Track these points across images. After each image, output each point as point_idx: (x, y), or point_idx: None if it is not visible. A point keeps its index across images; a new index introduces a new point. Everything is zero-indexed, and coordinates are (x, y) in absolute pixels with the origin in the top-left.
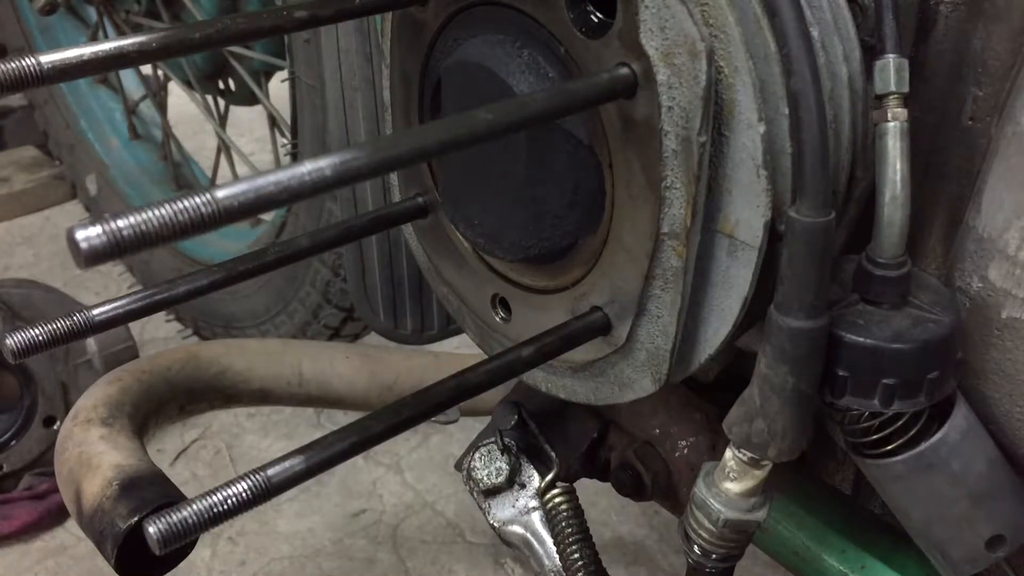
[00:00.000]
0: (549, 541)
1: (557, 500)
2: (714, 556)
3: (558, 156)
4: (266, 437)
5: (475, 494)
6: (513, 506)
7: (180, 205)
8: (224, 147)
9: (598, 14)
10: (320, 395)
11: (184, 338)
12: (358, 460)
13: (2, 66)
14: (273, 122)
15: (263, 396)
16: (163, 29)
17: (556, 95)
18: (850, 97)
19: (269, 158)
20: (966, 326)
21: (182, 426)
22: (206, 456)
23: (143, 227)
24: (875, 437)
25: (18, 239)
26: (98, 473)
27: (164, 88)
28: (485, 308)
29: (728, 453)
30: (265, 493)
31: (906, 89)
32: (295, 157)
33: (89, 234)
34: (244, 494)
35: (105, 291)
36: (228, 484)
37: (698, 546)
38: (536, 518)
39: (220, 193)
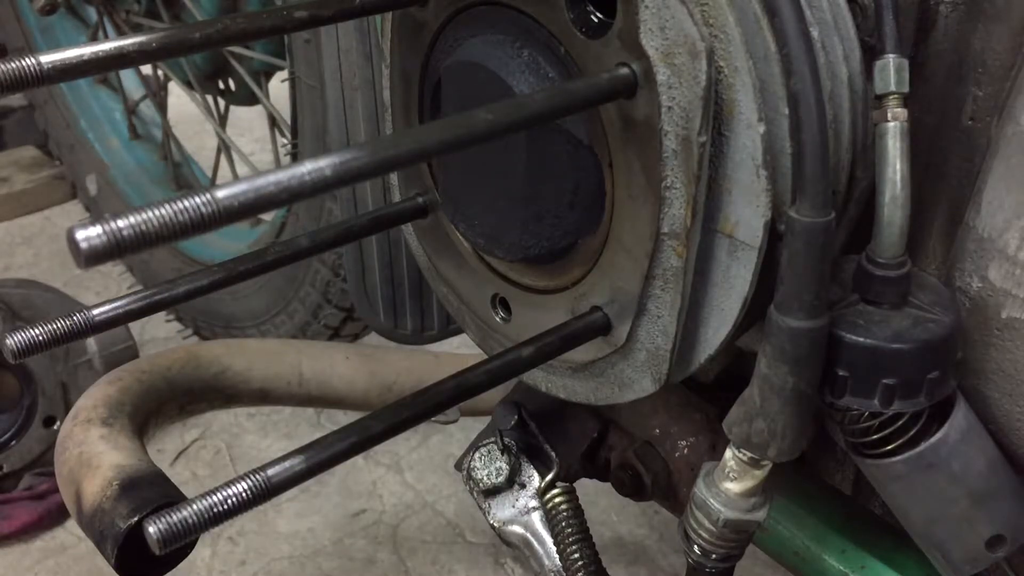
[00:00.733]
0: (549, 541)
1: (557, 500)
2: (714, 556)
3: (558, 156)
4: (266, 437)
5: (475, 494)
6: (513, 506)
7: (180, 205)
8: (224, 147)
9: (598, 14)
10: (320, 395)
11: (184, 338)
12: (358, 460)
13: (2, 66)
14: (273, 122)
15: (263, 396)
16: (163, 29)
17: (556, 95)
18: (850, 97)
19: (269, 158)
20: (966, 326)
21: (182, 426)
22: (206, 456)
23: (143, 227)
24: (875, 437)
25: (18, 239)
26: (98, 473)
27: (164, 88)
28: (485, 308)
29: (728, 453)
30: (265, 493)
31: (906, 89)
32: (295, 157)
33: (89, 234)
34: (244, 494)
35: (105, 291)
36: (228, 484)
37: (698, 546)
38: (536, 518)
39: (220, 193)
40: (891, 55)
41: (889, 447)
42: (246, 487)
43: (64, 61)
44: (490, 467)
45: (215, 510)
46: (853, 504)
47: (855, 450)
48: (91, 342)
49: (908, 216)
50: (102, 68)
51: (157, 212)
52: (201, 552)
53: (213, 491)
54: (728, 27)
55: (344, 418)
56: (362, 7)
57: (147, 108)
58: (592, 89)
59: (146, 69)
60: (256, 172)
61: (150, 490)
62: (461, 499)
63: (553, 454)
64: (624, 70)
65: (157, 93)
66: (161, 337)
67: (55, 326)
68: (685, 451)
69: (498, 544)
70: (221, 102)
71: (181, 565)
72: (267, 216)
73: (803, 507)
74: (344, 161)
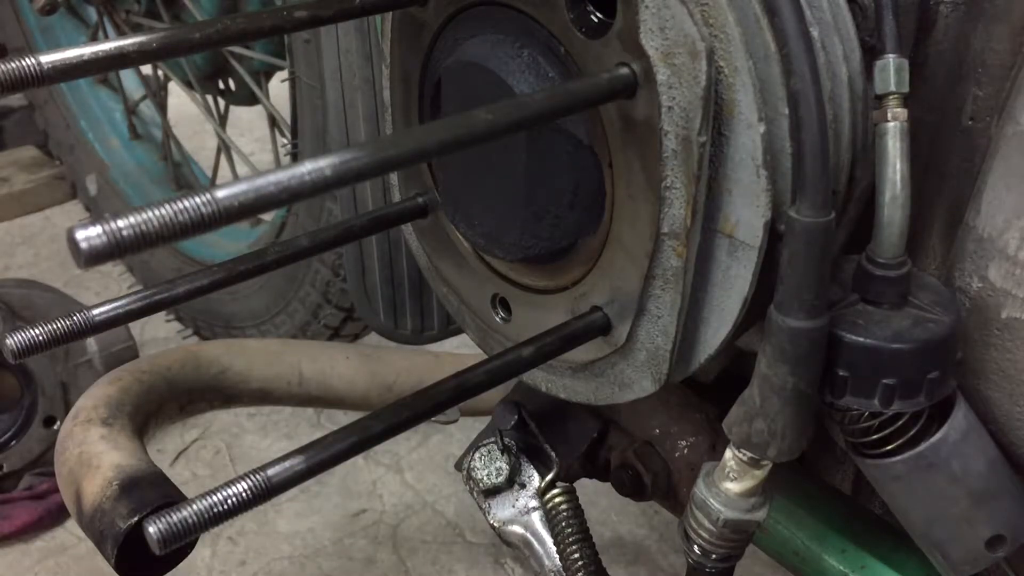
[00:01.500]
0: (549, 541)
1: (557, 500)
2: (714, 556)
3: (558, 156)
4: (266, 437)
5: (475, 494)
6: (513, 506)
7: (180, 205)
8: (224, 147)
9: (598, 14)
10: (320, 395)
11: (184, 338)
12: (358, 460)
13: (2, 66)
14: (273, 122)
15: (263, 396)
16: (163, 29)
17: (556, 95)
18: (850, 97)
19: (269, 158)
20: (966, 326)
21: (182, 426)
22: (206, 456)
23: (143, 227)
24: (875, 437)
25: (18, 239)
26: (98, 473)
27: (164, 88)
28: (485, 308)
29: (728, 453)
30: (265, 493)
31: (906, 89)
32: (295, 157)
33: (89, 234)
34: (244, 494)
35: (105, 291)
36: (228, 484)
37: (698, 546)
38: (536, 518)
39: (220, 193)
40: (891, 55)
41: (889, 447)
42: (246, 487)
43: (64, 61)
44: (490, 467)
45: (215, 510)
46: (853, 504)
47: (855, 450)
48: (91, 342)
49: (908, 216)
50: (102, 68)
51: (157, 212)
52: (201, 552)
53: (213, 491)
54: (728, 27)
55: (344, 418)
56: (362, 7)
57: (147, 108)
58: (592, 89)
59: (146, 69)
60: (256, 172)
61: (150, 490)
62: (461, 499)
63: (553, 454)
64: (624, 70)
65: (157, 93)
66: (161, 337)
67: (55, 326)
68: (685, 451)
69: (498, 544)
70: (221, 102)
71: (181, 565)
72: (267, 216)
73: (803, 507)
74: (344, 161)
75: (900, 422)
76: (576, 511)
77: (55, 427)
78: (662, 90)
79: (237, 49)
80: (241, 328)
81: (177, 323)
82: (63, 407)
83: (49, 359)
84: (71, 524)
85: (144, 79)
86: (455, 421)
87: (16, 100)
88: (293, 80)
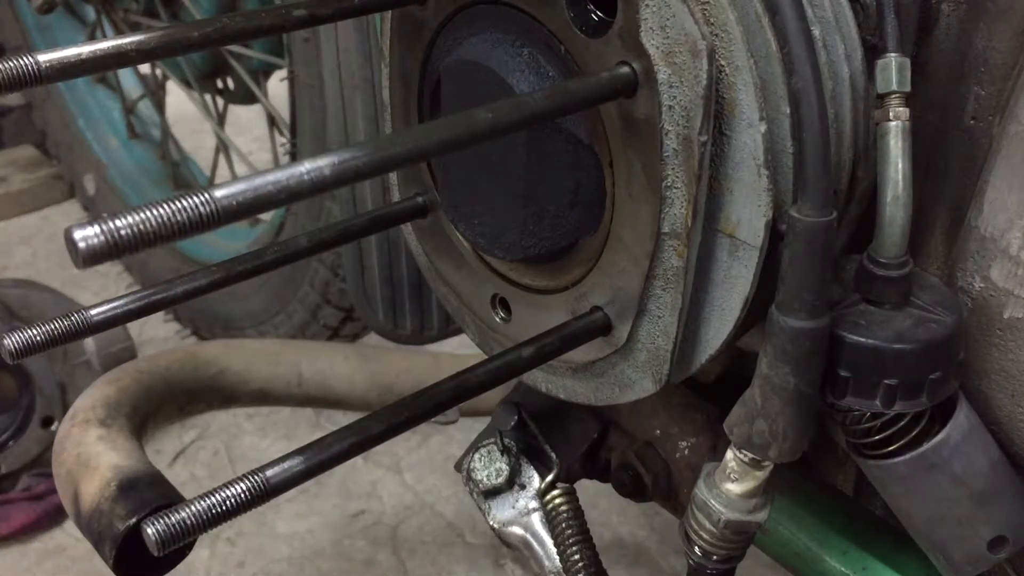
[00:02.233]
0: (549, 542)
1: (557, 501)
2: (715, 557)
3: (558, 155)
4: (265, 438)
5: (475, 495)
6: (513, 507)
7: (178, 205)
8: (223, 146)
9: (598, 13)
10: (319, 395)
11: (183, 338)
12: (358, 461)
13: (0, 65)
14: (272, 121)
15: (262, 396)
16: (161, 28)
17: (556, 94)
18: (852, 96)
19: (268, 157)
20: (968, 326)
21: (180, 427)
22: (205, 457)
23: (141, 227)
24: (877, 438)
25: (16, 239)
26: (96, 474)
27: (162, 87)
28: (485, 308)
29: (729, 454)
30: (264, 494)
31: (908, 88)
32: (294, 156)
33: (87, 234)
34: (243, 495)
35: (103, 291)
36: (227, 485)
37: (699, 547)
38: (536, 519)
39: (219, 193)
40: (893, 54)
41: (891, 448)
42: (245, 488)
43: (62, 60)
44: (490, 468)
45: (213, 511)
46: (854, 505)
47: (857, 451)
48: (89, 342)
49: (910, 216)
50: (100, 67)
51: (155, 212)
52: (199, 553)
53: (211, 492)
54: (729, 26)
55: (343, 418)
56: (361, 6)
57: (145, 107)
58: (592, 88)
59: (144, 68)
60: (255, 171)
61: (148, 491)
62: (461, 500)
63: (553, 455)
64: (624, 69)
65: (155, 92)
66: (160, 337)
67: (53, 326)
68: (686, 452)
69: (498, 545)
70: (220, 101)
71: (179, 566)
72: (266, 216)
73: (804, 508)
74: (343, 161)
75: (902, 423)
76: (576, 512)
77: (53, 428)
78: (663, 89)
79: (236, 48)
80: (240, 328)
81: (176, 323)
82: (61, 408)
83: (47, 359)
84: (69, 525)
85: (142, 78)
86: (455, 422)
87: (14, 99)
88: (292, 79)
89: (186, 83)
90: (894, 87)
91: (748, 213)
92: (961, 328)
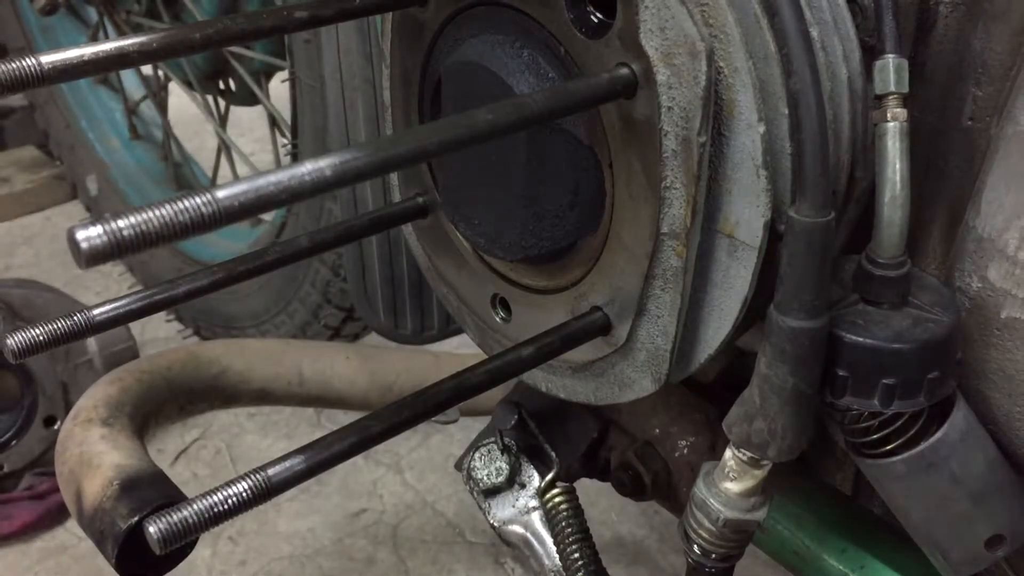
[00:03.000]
0: (549, 541)
1: (557, 500)
2: (714, 556)
3: (558, 156)
4: (266, 437)
5: (475, 494)
6: (513, 506)
7: (180, 205)
8: (224, 147)
9: (598, 14)
10: (320, 395)
11: (184, 338)
12: (358, 460)
13: (3, 66)
14: (273, 122)
15: (263, 396)
16: (163, 29)
17: (556, 95)
18: (850, 97)
19: (269, 158)
20: (966, 326)
21: (182, 426)
22: (206, 456)
23: (143, 227)
24: (875, 437)
25: (19, 239)
26: (98, 473)
27: (164, 88)
28: (485, 308)
29: (728, 453)
30: (265, 493)
31: (906, 89)
32: (295, 157)
33: (90, 234)
34: (244, 494)
35: (105, 291)
36: (228, 484)
37: (698, 546)
38: (536, 518)
39: (220, 193)
40: (891, 55)
41: (889, 447)
42: (246, 487)
43: (64, 61)
44: (490, 467)
45: (215, 510)
46: (853, 504)
47: (855, 450)
48: (91, 342)
49: (908, 216)
50: (102, 68)
51: (157, 212)
52: (201, 552)
53: (213, 491)
54: (728, 27)
55: (344, 418)
56: (362, 7)
57: (147, 108)
58: (592, 89)
59: (146, 69)
60: (256, 172)
61: (150, 490)
62: (461, 499)
63: (553, 454)
64: (624, 70)
65: (157, 93)
66: (161, 337)
67: (55, 326)
68: (685, 451)
69: (498, 544)
70: (221, 102)
71: (181, 565)
72: (267, 216)
73: (803, 507)
74: (344, 161)
75: (900, 422)
76: (576, 511)
77: (55, 427)
78: (662, 90)
79: (237, 49)
80: (241, 328)
81: (177, 323)
82: (63, 407)
83: (49, 359)
84: (71, 524)
85: (144, 79)
86: (455, 421)
87: (17, 100)
88: (293, 80)
89: (188, 84)
90: (892, 88)
91: (747, 213)
92: (959, 328)
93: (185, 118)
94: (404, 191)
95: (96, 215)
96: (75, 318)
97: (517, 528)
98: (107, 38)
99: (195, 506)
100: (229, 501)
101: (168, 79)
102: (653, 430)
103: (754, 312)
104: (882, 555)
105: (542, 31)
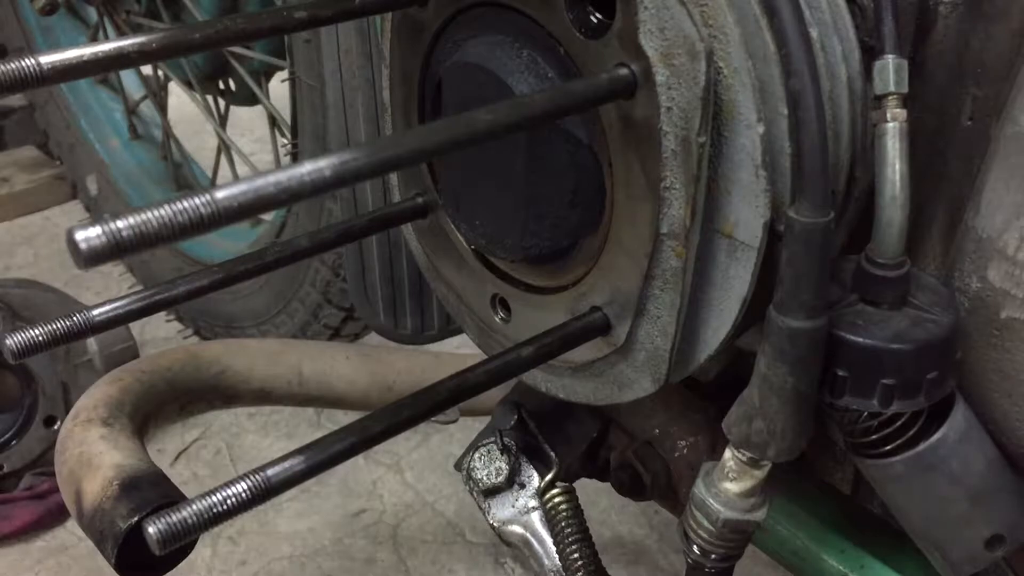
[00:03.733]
0: (549, 541)
1: (557, 500)
2: (713, 556)
3: (558, 156)
4: (266, 437)
5: (475, 494)
6: (513, 506)
7: (180, 206)
8: (224, 147)
9: (597, 15)
10: (320, 395)
11: (184, 338)
12: (358, 460)
13: (2, 66)
14: (273, 122)
15: (263, 396)
16: (163, 29)
17: (556, 95)
18: (849, 97)
19: (269, 158)
20: (965, 326)
21: (182, 426)
22: (206, 456)
23: (143, 228)
24: (874, 437)
25: (18, 239)
26: (98, 473)
27: (164, 88)
28: (485, 308)
29: (727, 453)
30: (265, 493)
31: (905, 90)
32: (295, 157)
33: (89, 235)
34: (244, 494)
35: (105, 291)
36: (228, 484)
37: (697, 546)
38: (536, 518)
39: (220, 194)
40: (890, 55)
41: (888, 447)
42: (246, 487)
43: (64, 61)
44: (490, 467)
45: (215, 510)
46: (852, 504)
47: (854, 450)
48: (91, 342)
49: (907, 216)
50: (102, 68)
51: (157, 213)
52: (201, 552)
53: (213, 491)
54: (727, 27)
55: (344, 418)
56: (362, 7)
57: (147, 108)
58: (591, 90)
59: (146, 69)
60: (256, 172)
61: (150, 490)
62: (461, 499)
63: (553, 454)
64: (623, 71)
65: (157, 93)
66: (161, 337)
67: (55, 326)
68: (685, 451)
69: (498, 544)
70: (221, 102)
71: (181, 565)
72: (267, 216)
73: (802, 507)
74: (344, 161)
75: (899, 422)
76: (576, 511)
77: (55, 427)
78: (661, 91)
79: (237, 49)
80: (241, 328)
81: (177, 323)
82: (63, 407)
83: (49, 359)
84: (71, 524)
85: (144, 79)
86: (455, 421)
87: (16, 100)
88: (293, 80)
89: (188, 84)
90: (892, 88)
91: (746, 214)
92: (958, 328)
93: (185, 118)
94: (404, 191)
95: (96, 215)
96: (75, 318)
97: (517, 528)
98: (107, 38)
99: (194, 506)
100: (229, 501)
101: (168, 79)
102: (653, 430)
103: (754, 312)
104: (882, 555)
105: (541, 32)
